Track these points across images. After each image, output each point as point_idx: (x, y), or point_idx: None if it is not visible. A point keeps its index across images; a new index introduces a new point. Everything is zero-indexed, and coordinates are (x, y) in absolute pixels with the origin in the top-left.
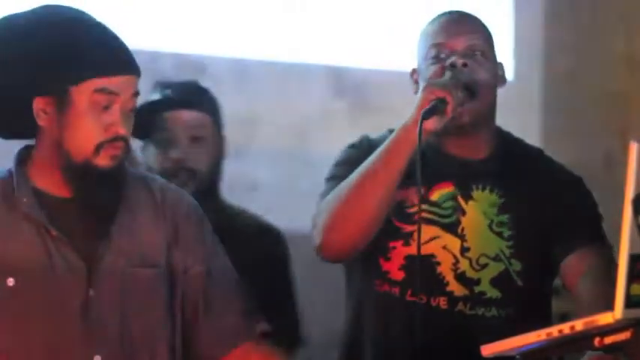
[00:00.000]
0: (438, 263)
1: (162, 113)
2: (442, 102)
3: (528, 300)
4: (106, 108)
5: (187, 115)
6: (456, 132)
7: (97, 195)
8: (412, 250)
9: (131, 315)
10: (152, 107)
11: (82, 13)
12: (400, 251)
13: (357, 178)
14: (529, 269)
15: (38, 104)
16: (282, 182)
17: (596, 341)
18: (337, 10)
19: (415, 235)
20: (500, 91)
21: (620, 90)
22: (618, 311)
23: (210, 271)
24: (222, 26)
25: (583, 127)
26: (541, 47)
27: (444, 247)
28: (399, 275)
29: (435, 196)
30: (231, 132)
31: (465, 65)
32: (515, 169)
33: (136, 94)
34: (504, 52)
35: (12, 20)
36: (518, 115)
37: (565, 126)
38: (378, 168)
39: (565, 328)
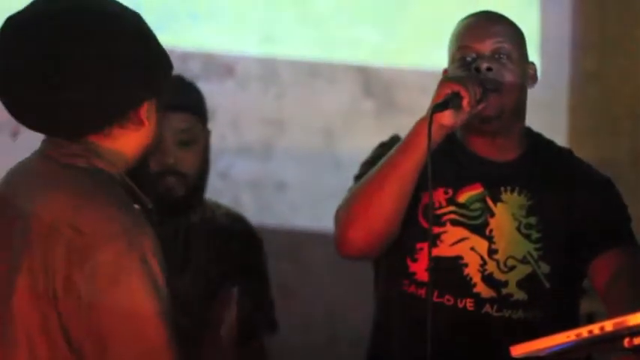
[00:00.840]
0: (465, 265)
1: None
2: (457, 96)
3: (556, 302)
4: None
5: (178, 119)
6: (483, 132)
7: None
8: (439, 251)
9: None
10: None
11: None
12: (427, 252)
13: (375, 173)
14: (557, 271)
15: (145, 109)
16: (309, 182)
17: (626, 342)
18: (365, 9)
19: (443, 236)
20: (528, 90)
21: None
22: None
23: None
24: (250, 26)
25: (610, 126)
26: (568, 45)
27: (472, 249)
28: (426, 276)
29: (462, 198)
30: (258, 131)
31: (489, 69)
32: (544, 170)
33: None
34: (531, 50)
35: (131, 18)
36: (545, 114)
37: (592, 125)
38: (396, 162)
39: (595, 328)
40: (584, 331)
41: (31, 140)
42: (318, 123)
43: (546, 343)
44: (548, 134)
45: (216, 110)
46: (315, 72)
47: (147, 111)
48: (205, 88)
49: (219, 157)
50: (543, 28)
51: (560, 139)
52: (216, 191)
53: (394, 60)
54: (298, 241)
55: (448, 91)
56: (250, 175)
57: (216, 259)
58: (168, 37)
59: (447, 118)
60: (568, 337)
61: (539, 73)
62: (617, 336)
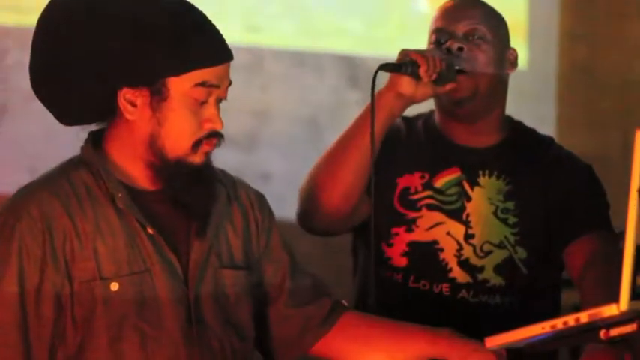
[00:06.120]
0: (441, 249)
1: None
2: (413, 63)
3: (534, 288)
4: (203, 102)
5: None
6: (459, 116)
7: (191, 192)
8: (415, 236)
9: (227, 319)
10: None
11: None
12: (403, 237)
13: (335, 145)
14: (534, 257)
15: (126, 95)
16: (294, 172)
17: (602, 333)
18: None
19: (419, 221)
20: (515, 81)
21: (635, 80)
22: (623, 303)
23: (290, 258)
24: (235, 15)
25: (598, 117)
26: (556, 37)
27: (448, 234)
28: (402, 261)
29: (439, 183)
30: (243, 122)
31: (460, 49)
32: (523, 156)
33: (230, 83)
34: (519, 41)
35: None
36: (533, 105)
37: (580, 116)
38: (354, 133)
39: (570, 319)
40: (558, 322)
41: (10, 134)
42: (303, 113)
43: (521, 335)
44: (536, 125)
45: None
46: (300, 62)
47: (132, 103)
48: None
49: None
50: (531, 18)
51: (548, 130)
52: None
53: (380, 49)
54: (283, 232)
55: (407, 59)
56: (235, 165)
57: None
58: None
59: (405, 85)
60: (543, 328)
61: (527, 64)
62: (592, 327)
